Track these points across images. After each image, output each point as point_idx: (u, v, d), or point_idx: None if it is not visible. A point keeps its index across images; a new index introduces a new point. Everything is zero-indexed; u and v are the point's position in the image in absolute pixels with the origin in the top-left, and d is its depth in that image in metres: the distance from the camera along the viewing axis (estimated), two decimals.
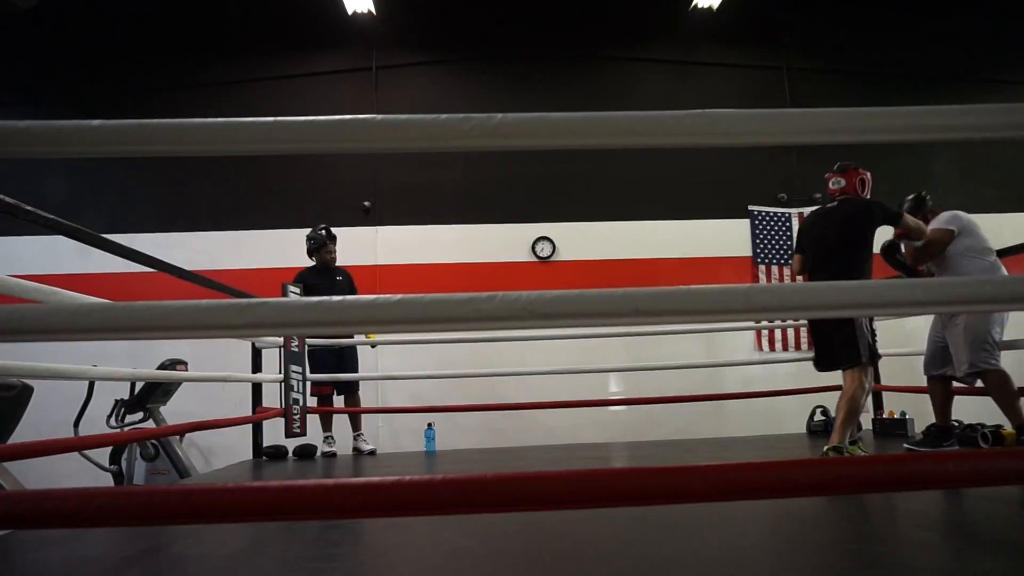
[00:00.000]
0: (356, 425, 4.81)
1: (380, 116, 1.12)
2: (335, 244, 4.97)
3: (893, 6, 7.03)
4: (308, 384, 4.47)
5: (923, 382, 3.74)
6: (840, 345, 3.31)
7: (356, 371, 4.85)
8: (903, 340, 6.22)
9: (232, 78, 6.75)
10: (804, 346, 6.47)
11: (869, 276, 3.37)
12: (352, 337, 4.82)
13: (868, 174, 3.51)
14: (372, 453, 4.73)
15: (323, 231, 4.93)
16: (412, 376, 4.91)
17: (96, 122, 1.11)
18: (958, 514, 2.13)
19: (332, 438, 4.72)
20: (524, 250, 6.67)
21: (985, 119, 1.13)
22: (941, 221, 3.53)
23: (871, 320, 3.35)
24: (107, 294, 2.64)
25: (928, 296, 1.05)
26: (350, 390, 4.85)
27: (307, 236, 4.92)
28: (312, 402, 4.63)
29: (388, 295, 1.08)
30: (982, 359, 3.29)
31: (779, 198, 6.82)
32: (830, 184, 3.53)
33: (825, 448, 3.20)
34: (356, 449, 4.73)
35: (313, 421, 4.54)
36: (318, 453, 4.61)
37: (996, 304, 1.05)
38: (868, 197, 3.49)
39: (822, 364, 3.49)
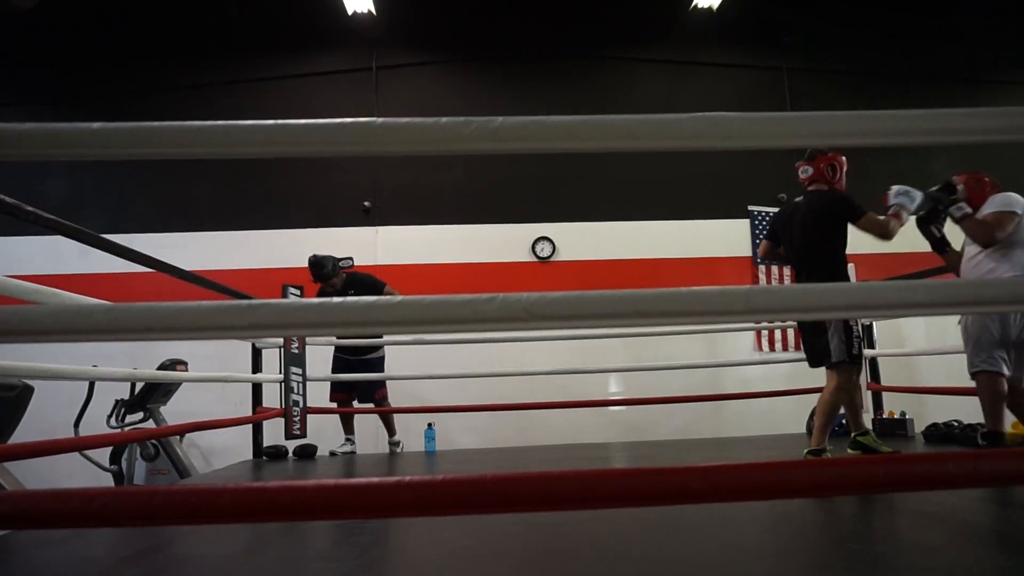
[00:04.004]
0: (390, 430, 4.87)
1: (381, 119, 1.12)
2: (325, 279, 4.70)
3: (893, 6, 7.02)
4: (308, 385, 4.46)
5: (923, 382, 3.73)
6: (818, 346, 3.29)
7: (375, 382, 4.82)
8: (902, 340, 6.23)
9: (232, 78, 6.75)
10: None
11: (839, 276, 3.22)
12: (378, 349, 4.84)
13: (840, 158, 3.33)
14: (396, 445, 4.82)
15: (313, 266, 4.70)
16: (412, 376, 4.92)
17: (96, 125, 1.11)
18: (959, 514, 2.13)
19: (352, 441, 4.78)
20: (524, 250, 6.67)
21: (986, 122, 1.13)
22: (998, 204, 3.19)
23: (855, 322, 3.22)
24: (107, 294, 2.64)
25: (929, 297, 1.05)
26: (366, 399, 4.86)
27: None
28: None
29: (388, 297, 1.08)
30: (973, 362, 3.14)
31: (779, 198, 6.82)
32: (799, 173, 3.40)
33: (804, 452, 3.19)
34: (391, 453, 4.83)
35: (316, 422, 4.54)
36: (318, 453, 4.61)
37: (996, 306, 1.05)
38: (839, 185, 3.31)
39: (809, 361, 3.46)
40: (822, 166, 3.31)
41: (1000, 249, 3.13)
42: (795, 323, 6.18)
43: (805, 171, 3.38)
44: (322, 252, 4.77)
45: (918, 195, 3.17)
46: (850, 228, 3.24)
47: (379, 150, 1.15)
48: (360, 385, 4.84)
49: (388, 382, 4.94)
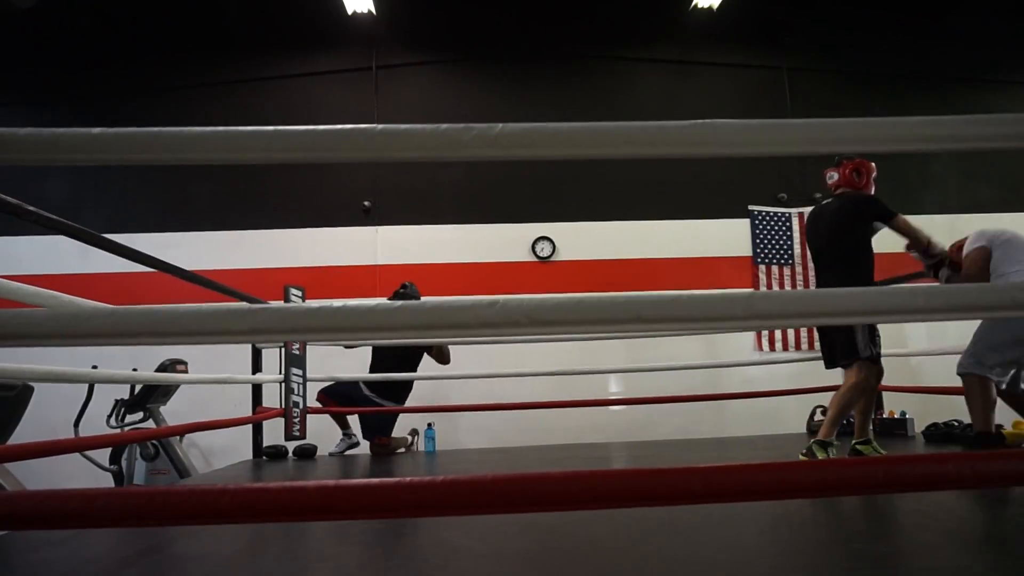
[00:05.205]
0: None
1: (381, 126, 1.12)
2: None
3: (893, 6, 7.02)
4: (307, 385, 4.46)
5: (923, 382, 3.72)
6: (840, 342, 3.30)
7: (374, 427, 4.74)
8: (903, 340, 6.23)
9: (232, 78, 6.75)
10: (804, 346, 6.47)
11: (866, 277, 3.25)
12: (398, 399, 4.82)
13: (868, 164, 3.38)
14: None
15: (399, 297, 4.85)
16: (413, 376, 4.92)
17: (96, 130, 1.11)
18: (958, 514, 2.14)
19: (350, 435, 4.77)
20: (524, 250, 6.66)
21: (988, 129, 1.12)
22: (970, 242, 3.27)
23: None
24: (107, 294, 2.64)
25: (929, 303, 1.05)
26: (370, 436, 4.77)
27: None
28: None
29: (390, 301, 1.08)
30: (969, 363, 3.12)
31: (779, 198, 6.82)
32: (827, 179, 3.47)
33: (811, 441, 3.19)
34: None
35: (316, 423, 4.54)
36: (318, 453, 4.61)
37: (998, 311, 1.05)
38: (868, 189, 3.37)
39: (826, 362, 3.48)
40: (847, 171, 3.36)
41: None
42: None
43: (831, 177, 3.43)
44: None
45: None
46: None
47: (379, 157, 1.15)
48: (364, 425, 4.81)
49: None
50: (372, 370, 4.83)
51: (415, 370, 4.87)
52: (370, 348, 4.96)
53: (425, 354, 4.94)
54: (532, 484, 1.04)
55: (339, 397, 4.76)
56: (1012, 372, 3.20)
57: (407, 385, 4.86)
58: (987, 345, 3.11)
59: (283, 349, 4.32)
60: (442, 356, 4.95)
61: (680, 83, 7.21)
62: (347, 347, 5.09)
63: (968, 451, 3.05)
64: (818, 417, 4.84)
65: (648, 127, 1.11)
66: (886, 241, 3.42)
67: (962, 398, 3.44)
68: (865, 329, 3.20)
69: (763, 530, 2.10)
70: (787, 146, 1.20)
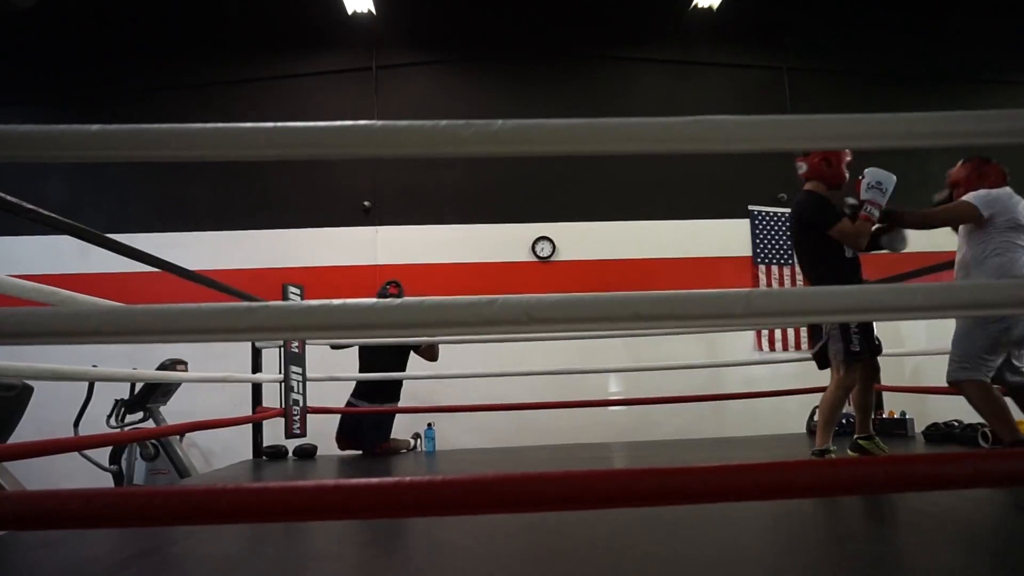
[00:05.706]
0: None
1: (380, 122, 1.12)
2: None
3: (893, 6, 7.02)
4: (307, 385, 4.46)
5: (923, 382, 3.72)
6: (821, 350, 3.27)
7: (375, 435, 4.70)
8: (902, 340, 6.23)
9: (232, 78, 6.75)
10: (804, 346, 6.47)
11: (829, 278, 3.08)
12: (390, 400, 4.81)
13: (838, 153, 3.19)
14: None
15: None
16: (412, 376, 4.92)
17: (95, 127, 1.11)
18: (959, 514, 2.14)
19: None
20: (524, 250, 6.67)
21: (988, 125, 1.12)
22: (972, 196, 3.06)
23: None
24: (107, 294, 2.64)
25: (928, 300, 1.05)
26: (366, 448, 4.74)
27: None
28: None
29: (388, 299, 1.08)
30: (955, 370, 2.98)
31: (779, 198, 6.82)
32: (797, 170, 3.30)
33: (810, 453, 3.18)
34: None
35: (316, 422, 4.53)
36: (318, 452, 4.61)
37: (996, 308, 1.05)
38: (837, 179, 3.19)
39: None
40: (816, 160, 3.19)
41: (975, 236, 3.02)
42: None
43: (800, 167, 3.27)
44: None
45: (890, 184, 3.04)
46: None
47: (378, 153, 1.15)
48: (362, 435, 4.77)
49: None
50: (361, 372, 4.81)
51: (404, 367, 4.86)
52: (356, 350, 4.94)
53: (413, 352, 4.91)
54: (532, 484, 1.04)
55: (348, 432, 4.76)
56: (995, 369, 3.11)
57: (399, 383, 4.85)
58: (966, 349, 2.99)
59: (283, 348, 4.32)
60: (432, 354, 4.94)
61: (680, 83, 7.21)
62: (333, 347, 5.04)
63: None
64: (817, 417, 4.83)
65: (649, 123, 1.11)
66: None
67: (963, 398, 3.42)
68: (836, 334, 3.10)
69: (763, 530, 2.10)
70: (787, 142, 1.20)
